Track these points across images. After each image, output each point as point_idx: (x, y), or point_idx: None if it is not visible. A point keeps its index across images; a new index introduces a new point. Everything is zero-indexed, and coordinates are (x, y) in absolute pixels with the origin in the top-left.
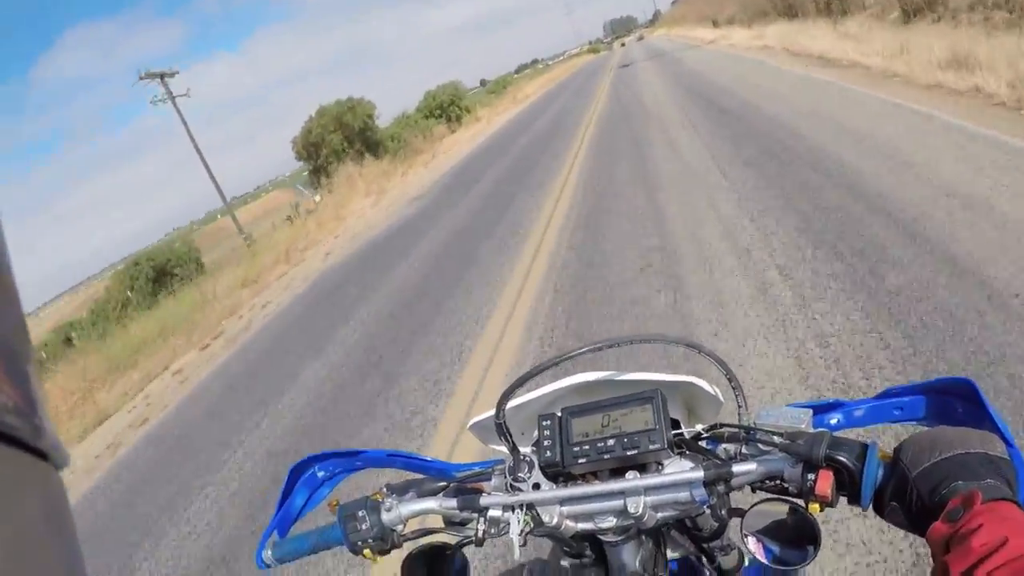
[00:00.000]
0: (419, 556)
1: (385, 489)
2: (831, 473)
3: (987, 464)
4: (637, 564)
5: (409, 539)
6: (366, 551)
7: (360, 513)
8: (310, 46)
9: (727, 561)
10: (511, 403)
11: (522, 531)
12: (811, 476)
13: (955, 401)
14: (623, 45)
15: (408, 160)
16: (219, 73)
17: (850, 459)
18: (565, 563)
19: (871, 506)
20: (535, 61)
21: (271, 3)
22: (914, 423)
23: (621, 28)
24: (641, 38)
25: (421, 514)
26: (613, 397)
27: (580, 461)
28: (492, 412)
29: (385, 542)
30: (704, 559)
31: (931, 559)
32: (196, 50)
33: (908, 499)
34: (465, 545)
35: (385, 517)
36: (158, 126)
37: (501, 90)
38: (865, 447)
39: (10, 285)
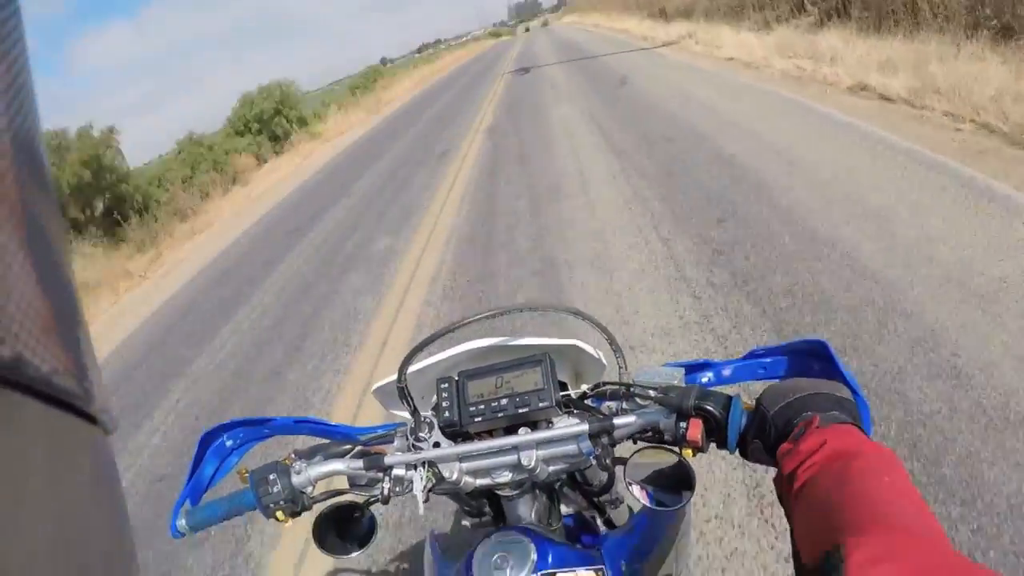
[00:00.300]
0: (329, 516)
1: (293, 454)
2: (700, 421)
3: (833, 401)
4: (532, 516)
5: (319, 500)
6: (278, 513)
7: (271, 477)
8: (209, 17)
9: (617, 515)
10: (411, 368)
11: (424, 487)
12: (683, 424)
13: (811, 360)
14: (527, 30)
15: (157, 238)
16: (112, 39)
17: (716, 408)
18: (466, 522)
19: (736, 450)
20: (438, 41)
21: None
22: (777, 379)
23: (526, 12)
24: (546, 23)
25: (329, 476)
26: (506, 361)
27: (476, 420)
28: (393, 377)
29: (296, 504)
30: (596, 513)
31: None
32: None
33: (767, 435)
34: (372, 503)
35: (295, 480)
36: None
37: (369, 86)
38: (729, 398)
39: (59, 245)
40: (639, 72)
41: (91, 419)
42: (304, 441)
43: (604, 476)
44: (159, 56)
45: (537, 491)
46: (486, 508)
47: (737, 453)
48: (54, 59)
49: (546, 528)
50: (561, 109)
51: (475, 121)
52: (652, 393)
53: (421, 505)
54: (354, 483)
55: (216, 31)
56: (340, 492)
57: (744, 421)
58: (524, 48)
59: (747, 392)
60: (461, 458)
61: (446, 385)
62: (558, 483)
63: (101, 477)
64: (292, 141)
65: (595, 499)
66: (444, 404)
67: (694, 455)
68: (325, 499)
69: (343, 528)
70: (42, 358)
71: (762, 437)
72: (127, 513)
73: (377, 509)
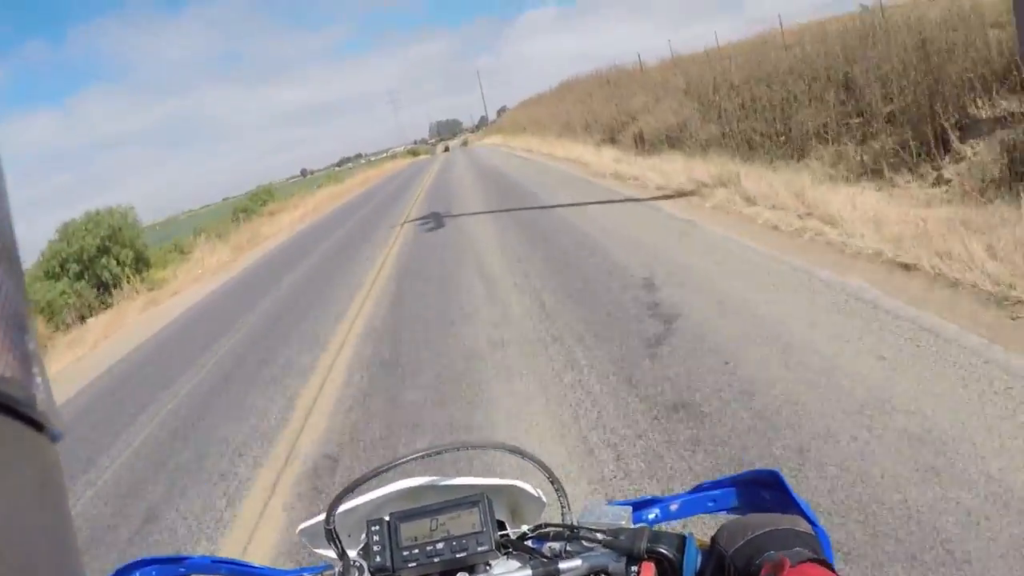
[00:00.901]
0: None
1: None
2: (653, 564)
3: (794, 537)
4: None
5: None
6: None
7: None
8: (136, 114)
9: None
10: (340, 508)
11: None
12: (634, 568)
13: (762, 490)
14: (447, 149)
15: None
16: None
17: (670, 550)
18: None
19: None
20: (359, 156)
21: (102, 63)
22: (726, 512)
23: (447, 131)
24: (466, 143)
25: None
26: (441, 501)
27: (410, 565)
28: (321, 517)
29: None
30: None
31: None
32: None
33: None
34: None
35: None
36: None
37: (256, 209)
38: (683, 537)
39: (11, 249)
40: (670, 267)
41: (37, 425)
42: None
43: None
44: (79, 150)
45: None
46: None
47: None
48: None
49: None
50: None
51: (360, 291)
52: (600, 536)
53: None
54: None
55: (139, 130)
56: None
57: (700, 562)
58: (440, 175)
59: (695, 526)
60: None
61: (377, 527)
62: None
63: (46, 483)
64: (124, 291)
65: None
66: (375, 548)
67: None
68: None
69: None
70: None
71: None
72: (71, 520)
73: None
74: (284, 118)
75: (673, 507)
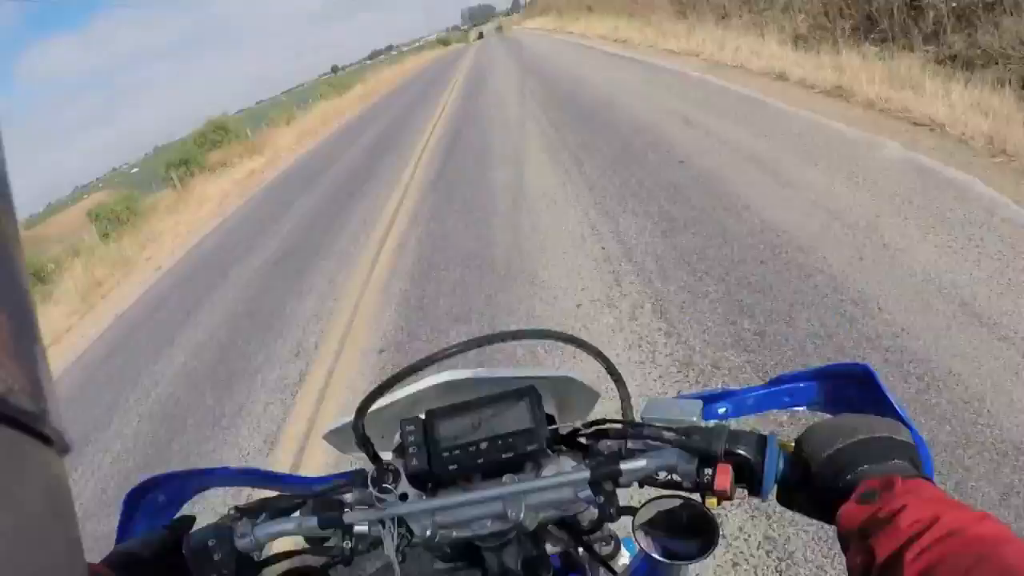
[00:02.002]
0: None
1: (235, 511)
2: (730, 467)
3: (893, 447)
4: (517, 566)
5: (270, 565)
6: None
7: (210, 543)
8: (157, 27)
9: (606, 550)
10: (370, 408)
11: (398, 547)
12: (708, 471)
13: (849, 386)
14: (480, 36)
15: None
16: (60, 53)
17: (750, 451)
18: (440, 566)
19: (772, 498)
20: (390, 47)
21: None
22: (806, 409)
23: (480, 16)
24: (500, 28)
25: (279, 536)
26: (482, 396)
27: (451, 467)
28: (349, 419)
29: (242, 574)
30: (581, 549)
31: (843, 546)
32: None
33: (812, 486)
34: (333, 566)
35: (239, 544)
36: None
37: (282, 118)
38: (764, 438)
39: (17, 261)
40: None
41: (45, 439)
42: (248, 494)
43: (596, 514)
44: (107, 69)
45: (522, 537)
46: (462, 555)
47: (772, 499)
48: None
49: None
50: None
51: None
52: (667, 434)
53: (397, 569)
54: (311, 540)
55: (163, 43)
56: (294, 553)
57: (783, 466)
58: (474, 67)
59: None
60: (435, 512)
61: (412, 427)
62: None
63: (54, 497)
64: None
65: (584, 537)
66: (411, 450)
67: (719, 504)
68: (277, 562)
69: None
70: None
71: (804, 487)
72: (79, 534)
73: (338, 572)
74: (313, 16)
75: (748, 401)
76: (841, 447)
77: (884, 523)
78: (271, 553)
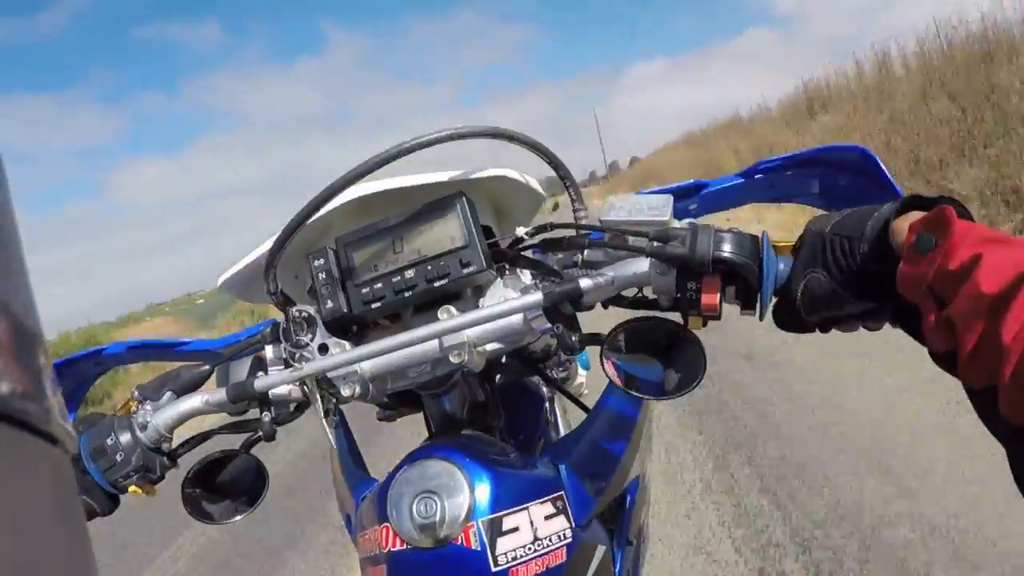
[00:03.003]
0: (200, 474)
1: (136, 393)
2: (718, 277)
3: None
4: (463, 413)
5: (183, 453)
6: (132, 488)
7: (108, 441)
8: (247, 162)
9: (561, 374)
10: (263, 245)
11: (327, 411)
12: (691, 284)
13: (840, 174)
14: (556, 207)
15: None
16: (150, 174)
17: (741, 255)
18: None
19: (771, 313)
20: None
21: (216, 114)
22: (791, 201)
23: (556, 186)
24: (555, 208)
25: (186, 418)
26: (402, 212)
27: (372, 306)
28: (248, 259)
29: (153, 468)
30: (538, 378)
31: (906, 324)
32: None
33: (832, 261)
34: (254, 444)
35: (143, 436)
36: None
37: None
38: (755, 238)
39: (19, 262)
40: None
41: (51, 439)
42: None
43: (553, 343)
44: (194, 196)
45: (468, 376)
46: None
47: (770, 317)
48: (91, 183)
49: (483, 439)
50: None
51: None
52: (638, 241)
53: (331, 433)
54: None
55: (251, 180)
56: (209, 434)
57: (782, 267)
58: None
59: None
60: (361, 362)
61: (320, 261)
62: (493, 368)
63: (62, 497)
64: None
65: (539, 365)
66: (323, 289)
67: (704, 324)
68: (191, 448)
69: (222, 484)
70: (1, 377)
71: (823, 266)
72: (88, 533)
73: (262, 448)
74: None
75: (723, 194)
76: (854, 210)
77: (960, 279)
78: (184, 440)
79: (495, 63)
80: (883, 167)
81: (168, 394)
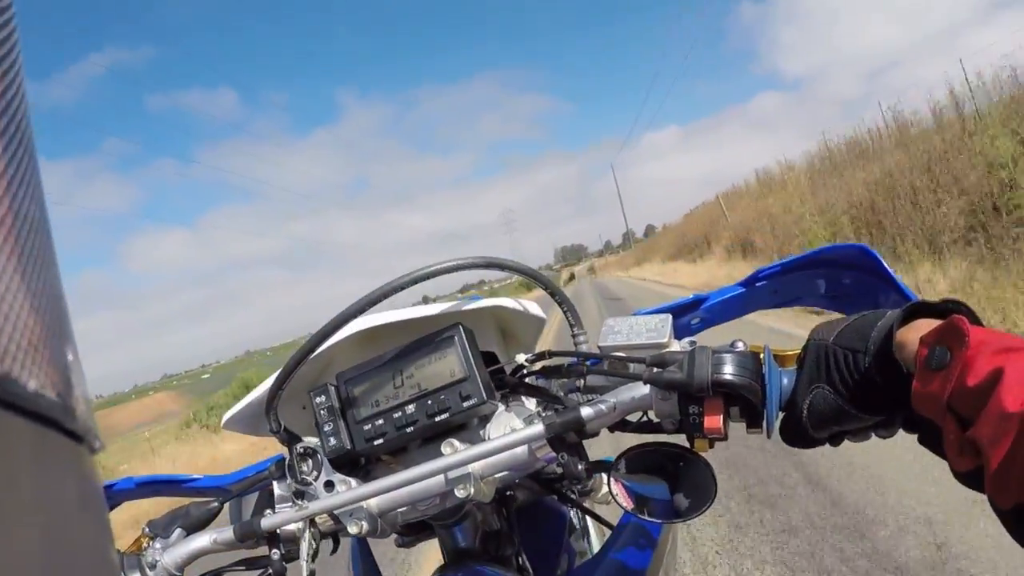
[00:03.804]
0: None
1: (147, 530)
2: (721, 401)
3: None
4: (478, 543)
5: None
6: None
7: None
8: (263, 233)
9: (586, 488)
10: (264, 383)
11: (312, 552)
12: (694, 408)
13: (844, 273)
14: (572, 278)
15: None
16: (165, 244)
17: (742, 376)
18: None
19: (777, 430)
20: (482, 282)
21: (232, 185)
22: (798, 304)
23: (572, 256)
24: (591, 270)
25: (195, 557)
26: (401, 346)
27: (376, 443)
28: (251, 398)
29: None
30: (557, 497)
31: (924, 438)
32: (148, 217)
33: (836, 376)
34: None
35: (152, 575)
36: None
37: None
38: (756, 356)
39: (51, 260)
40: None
41: (76, 437)
42: (157, 508)
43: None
44: (210, 269)
45: (481, 505)
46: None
47: (777, 435)
48: (107, 253)
49: (495, 572)
50: None
51: None
52: (637, 367)
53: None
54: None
55: (267, 251)
56: (221, 572)
57: (786, 383)
58: None
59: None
60: (367, 499)
61: (322, 398)
62: (507, 491)
63: (87, 495)
64: None
65: (555, 485)
66: (326, 426)
67: (711, 446)
68: None
69: None
70: (29, 375)
71: (828, 380)
72: (111, 532)
73: None
74: (410, 244)
75: (724, 305)
76: (857, 317)
77: (980, 397)
78: (203, 575)
79: (511, 134)
80: (884, 263)
81: (178, 531)
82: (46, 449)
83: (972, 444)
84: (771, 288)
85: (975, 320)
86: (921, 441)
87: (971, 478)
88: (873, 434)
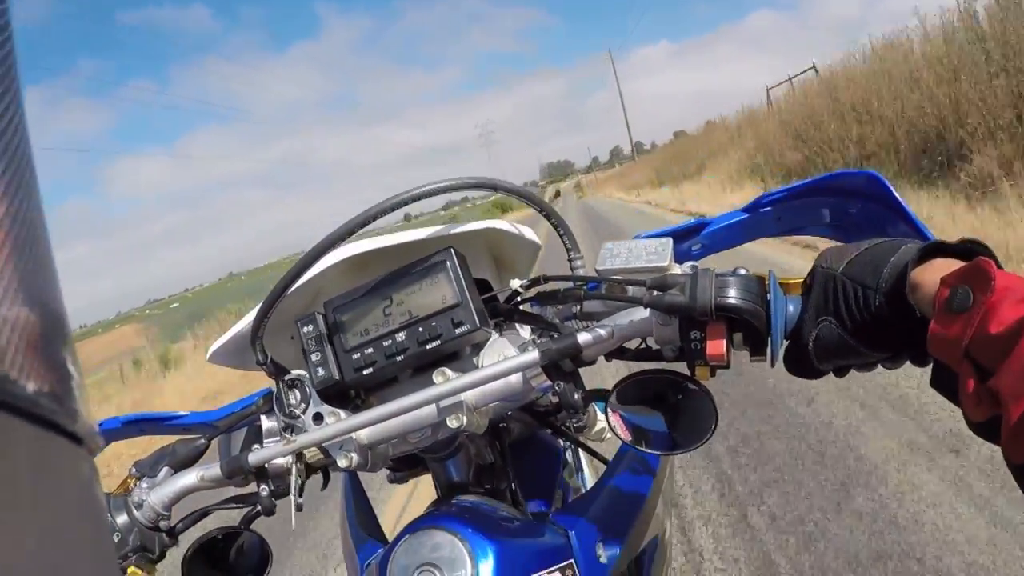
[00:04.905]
0: (199, 553)
1: (133, 470)
2: (724, 326)
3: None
4: (471, 477)
5: (182, 530)
6: (131, 570)
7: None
8: (245, 154)
9: (580, 424)
10: (250, 314)
11: (299, 485)
12: (695, 333)
13: (850, 201)
14: (557, 195)
15: None
16: (146, 168)
17: (747, 299)
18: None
19: (782, 358)
20: (465, 199)
21: (211, 105)
22: (801, 233)
23: (558, 172)
24: (578, 186)
25: (182, 496)
26: (390, 273)
27: (365, 373)
28: (236, 330)
29: (151, 549)
30: (552, 431)
31: (937, 380)
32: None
33: (844, 310)
34: (254, 519)
35: (139, 515)
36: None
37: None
38: (761, 280)
39: (48, 261)
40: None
41: (76, 439)
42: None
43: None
44: (191, 191)
45: (474, 437)
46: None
47: (781, 363)
48: (90, 181)
49: (488, 504)
50: None
51: None
52: (636, 290)
53: (294, 517)
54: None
55: (251, 171)
56: (209, 510)
57: (792, 310)
58: None
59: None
60: (356, 431)
61: (309, 327)
62: (501, 423)
63: (86, 497)
64: None
65: (551, 419)
66: (314, 356)
67: (713, 375)
68: (192, 523)
69: (222, 559)
70: (28, 377)
71: (834, 313)
72: (110, 535)
73: (263, 523)
74: (397, 159)
75: (726, 231)
76: (868, 247)
77: (1003, 346)
78: (183, 517)
79: (498, 48)
80: (894, 192)
81: (165, 470)
82: (45, 451)
83: (991, 394)
84: (775, 215)
85: (998, 264)
86: (933, 384)
87: (986, 428)
88: (880, 365)
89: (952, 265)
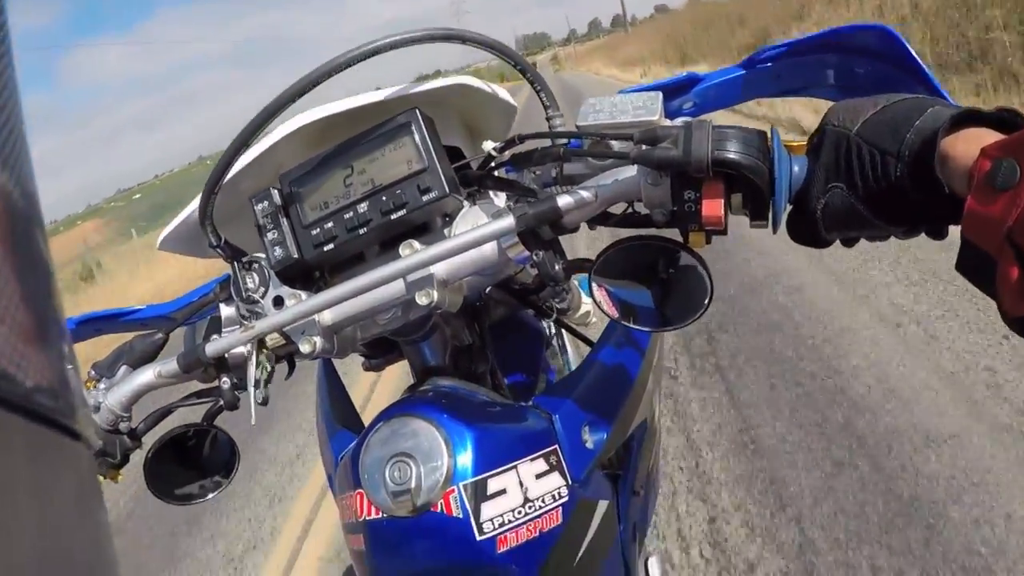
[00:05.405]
0: (162, 452)
1: (92, 372)
2: (721, 184)
3: (944, 105)
4: (447, 360)
5: (145, 431)
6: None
7: None
8: (211, 33)
9: (564, 305)
10: (199, 197)
11: (261, 378)
12: (689, 193)
13: (858, 60)
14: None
15: None
16: (106, 56)
17: (747, 156)
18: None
19: (784, 223)
20: (438, 72)
21: None
22: (802, 94)
23: (534, 45)
24: (555, 59)
25: (141, 394)
26: (349, 139)
27: (326, 249)
28: (187, 212)
29: (112, 453)
30: (534, 311)
31: (966, 263)
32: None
33: (859, 177)
34: (217, 415)
35: (99, 417)
36: None
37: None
38: (763, 134)
39: (43, 256)
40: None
41: (73, 434)
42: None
43: (543, 276)
44: (155, 76)
45: (449, 318)
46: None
47: (784, 229)
48: (44, 71)
49: (466, 389)
50: None
51: None
52: (622, 145)
53: (253, 410)
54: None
55: (217, 56)
56: (171, 408)
57: (797, 171)
58: None
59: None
60: (318, 312)
61: (264, 204)
62: (478, 302)
63: (84, 492)
64: None
65: (531, 297)
66: (271, 235)
67: (708, 242)
68: (154, 424)
69: (187, 457)
70: (25, 373)
71: (846, 178)
72: (109, 529)
73: (227, 419)
74: (371, 31)
75: (721, 89)
76: (887, 104)
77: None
78: (144, 418)
79: None
80: (910, 48)
81: (123, 369)
82: (43, 447)
83: None
84: (774, 72)
85: None
86: (960, 268)
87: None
88: (893, 236)
89: (989, 136)
